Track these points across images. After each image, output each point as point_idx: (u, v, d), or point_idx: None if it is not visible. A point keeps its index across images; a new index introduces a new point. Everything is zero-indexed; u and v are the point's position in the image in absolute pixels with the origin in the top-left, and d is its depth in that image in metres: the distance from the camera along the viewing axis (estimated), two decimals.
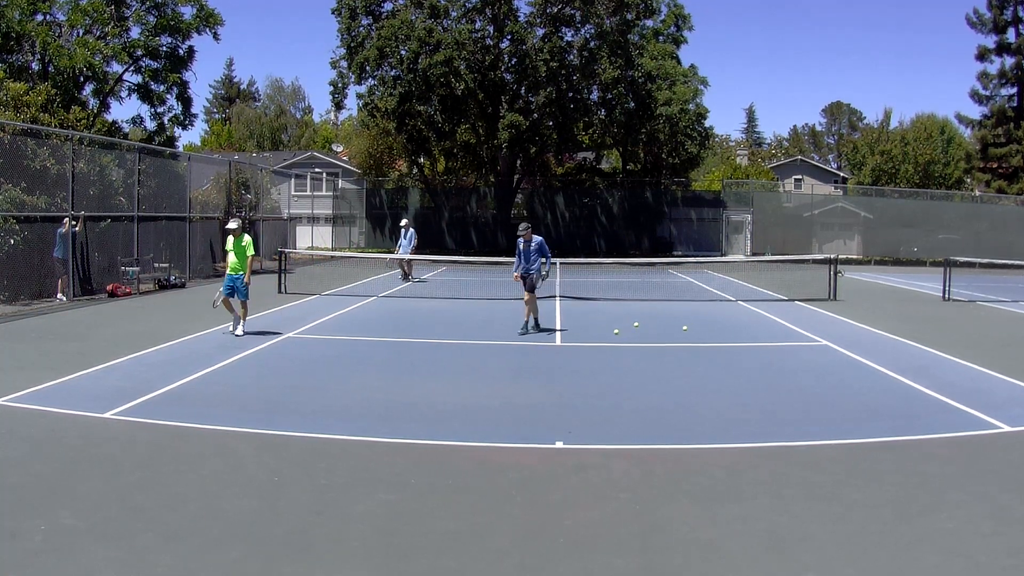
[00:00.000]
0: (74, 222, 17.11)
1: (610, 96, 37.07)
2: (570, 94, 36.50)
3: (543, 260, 13.32)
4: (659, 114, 38.22)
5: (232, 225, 12.52)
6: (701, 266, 31.01)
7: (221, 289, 12.39)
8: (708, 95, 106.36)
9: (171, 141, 30.56)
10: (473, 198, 42.60)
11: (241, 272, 12.27)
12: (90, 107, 28.07)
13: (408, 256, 23.16)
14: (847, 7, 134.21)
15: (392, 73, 35.95)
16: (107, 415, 7.52)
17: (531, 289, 13.08)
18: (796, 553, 4.71)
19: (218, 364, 10.11)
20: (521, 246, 13.35)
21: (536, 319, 13.41)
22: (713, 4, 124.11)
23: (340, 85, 37.67)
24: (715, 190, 46.11)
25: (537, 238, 13.45)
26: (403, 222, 24.28)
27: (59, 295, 16.75)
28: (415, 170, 43.15)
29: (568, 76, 35.67)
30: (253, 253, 12.54)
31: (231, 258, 12.36)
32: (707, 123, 42.22)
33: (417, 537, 4.90)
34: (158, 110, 30.23)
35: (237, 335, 12.12)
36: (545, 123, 37.03)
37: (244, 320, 12.42)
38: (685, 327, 13.98)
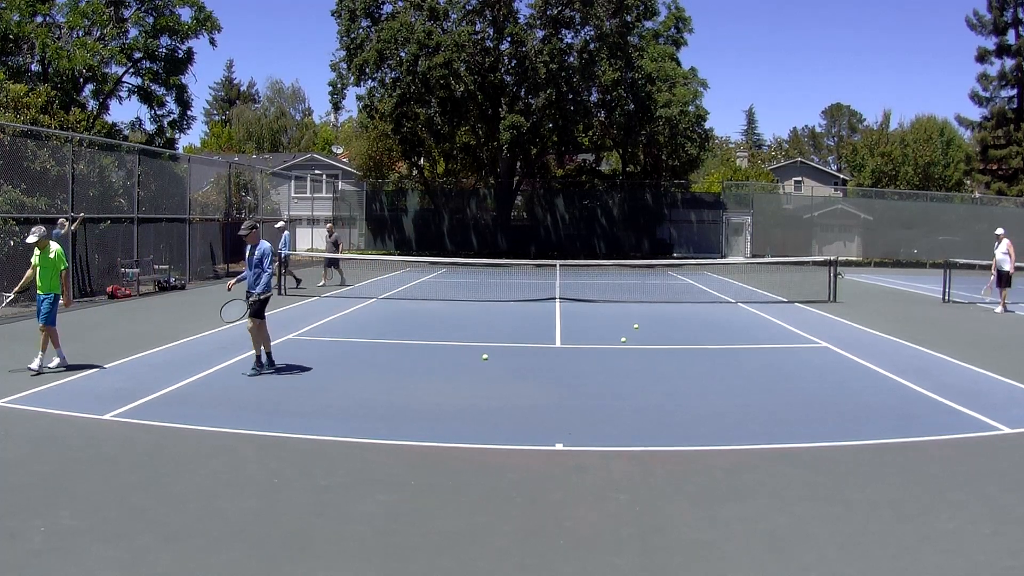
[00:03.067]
0: (64, 223, 17.07)
1: (610, 98, 37.10)
2: (570, 96, 36.51)
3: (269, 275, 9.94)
4: (659, 116, 38.24)
5: (32, 238, 9.61)
6: (701, 268, 31.00)
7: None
8: (708, 97, 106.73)
9: (171, 143, 30.59)
10: (473, 200, 42.60)
11: (50, 293, 9.64)
12: (89, 109, 28.09)
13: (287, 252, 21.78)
14: (846, 9, 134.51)
15: (392, 75, 35.98)
16: (107, 416, 7.52)
17: (255, 314, 9.72)
18: (796, 553, 4.71)
19: (218, 365, 10.11)
20: (247, 252, 9.99)
21: (268, 353, 9.91)
22: (713, 6, 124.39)
23: (339, 87, 37.69)
24: (715, 192, 46.12)
25: (263, 245, 9.92)
26: (278, 224, 22.93)
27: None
28: (415, 172, 43.17)
29: (568, 78, 35.68)
30: (66, 266, 9.86)
31: (36, 275, 9.77)
32: (707, 125, 42.26)
33: (416, 538, 4.89)
34: (157, 112, 30.28)
35: (31, 369, 9.41)
36: (545, 125, 37.04)
37: (44, 351, 9.62)
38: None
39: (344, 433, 7.13)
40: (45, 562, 4.44)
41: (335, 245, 23.57)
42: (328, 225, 24.59)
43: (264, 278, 9.78)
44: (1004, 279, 18.01)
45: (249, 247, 9.92)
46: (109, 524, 5.01)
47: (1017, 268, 18.48)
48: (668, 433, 7.45)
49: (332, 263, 22.49)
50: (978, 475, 6.18)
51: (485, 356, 10.87)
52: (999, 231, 18.40)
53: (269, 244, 10.04)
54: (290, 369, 10.03)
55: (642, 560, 4.61)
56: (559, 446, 6.85)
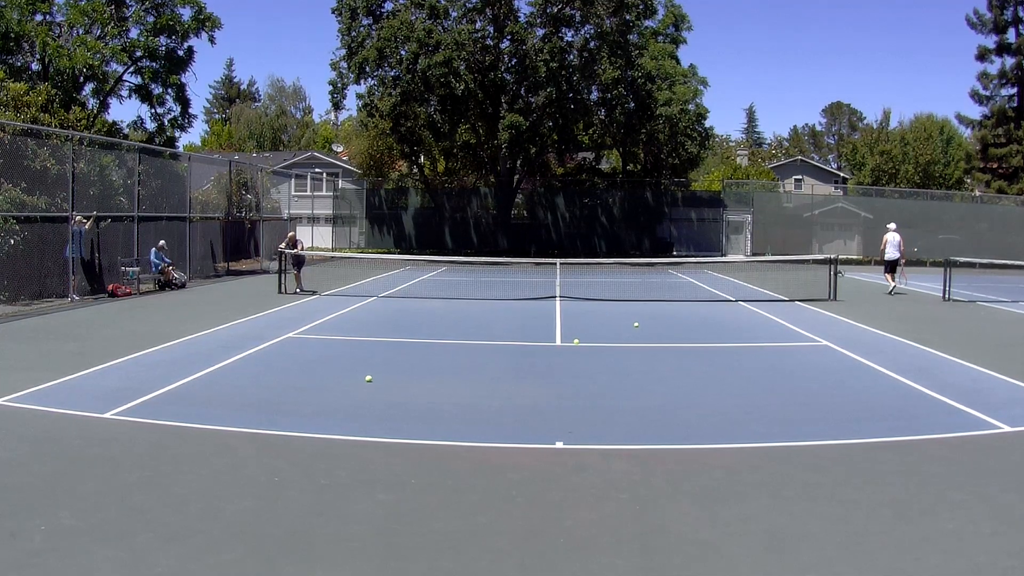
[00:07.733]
0: (84, 221, 17.29)
1: (610, 96, 37.07)
2: (570, 94, 36.48)
3: None
4: (659, 114, 38.21)
5: None
6: (701, 266, 30.99)
7: None
8: (708, 95, 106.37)
9: (171, 142, 30.59)
10: (473, 198, 42.60)
11: None
12: (90, 107, 28.09)
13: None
14: (847, 7, 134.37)
15: (391, 73, 35.95)
16: (107, 415, 7.52)
17: None
18: (796, 553, 4.70)
19: (218, 364, 10.11)
20: None
21: None
22: (712, 4, 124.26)
23: (339, 85, 37.65)
24: (715, 190, 46.09)
25: None
26: (160, 242, 20.36)
27: (72, 294, 16.86)
28: (415, 170, 43.17)
29: (568, 76, 35.66)
30: None
31: None
32: (707, 123, 42.27)
33: (417, 537, 4.89)
34: (158, 111, 30.27)
35: None
36: (545, 123, 37.02)
37: None
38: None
39: (344, 432, 7.13)
40: (45, 562, 4.44)
41: (294, 245, 20.53)
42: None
43: None
44: (887, 266, 21.32)
45: None
46: (109, 524, 5.00)
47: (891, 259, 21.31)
48: (668, 432, 7.45)
49: (294, 264, 20.05)
50: (979, 474, 6.18)
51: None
52: (889, 226, 21.58)
53: None
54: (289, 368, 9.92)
55: (642, 560, 4.60)
56: (559, 445, 6.84)
